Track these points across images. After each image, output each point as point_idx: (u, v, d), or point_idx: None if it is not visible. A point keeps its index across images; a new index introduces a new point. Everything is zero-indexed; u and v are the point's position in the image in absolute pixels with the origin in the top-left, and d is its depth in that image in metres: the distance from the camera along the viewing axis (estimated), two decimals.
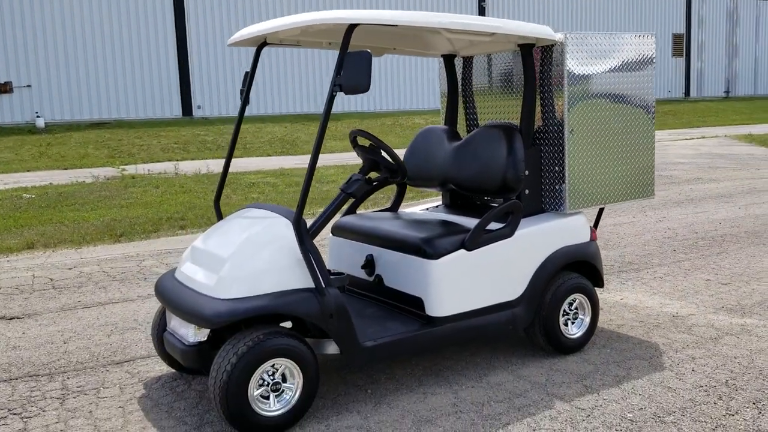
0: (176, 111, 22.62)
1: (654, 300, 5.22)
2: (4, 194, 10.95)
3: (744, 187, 10.88)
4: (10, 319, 5.17)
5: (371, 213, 4.56)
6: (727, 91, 36.82)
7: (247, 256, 3.33)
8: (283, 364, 3.23)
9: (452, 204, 4.74)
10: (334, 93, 3.20)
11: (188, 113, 22.71)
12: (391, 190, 4.54)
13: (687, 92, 35.03)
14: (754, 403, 3.47)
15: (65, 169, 15.22)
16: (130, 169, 14.54)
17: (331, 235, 4.46)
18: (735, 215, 8.52)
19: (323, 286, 3.30)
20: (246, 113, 23.20)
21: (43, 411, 3.62)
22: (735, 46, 37.04)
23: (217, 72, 23.04)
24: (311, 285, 3.32)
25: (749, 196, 10.00)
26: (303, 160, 15.86)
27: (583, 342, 4.20)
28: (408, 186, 4.76)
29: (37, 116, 20.20)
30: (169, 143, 18.52)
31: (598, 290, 5.38)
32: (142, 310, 5.29)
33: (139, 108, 22.06)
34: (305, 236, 3.32)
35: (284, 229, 3.41)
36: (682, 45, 34.62)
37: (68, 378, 4.04)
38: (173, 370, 4.07)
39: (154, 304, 5.41)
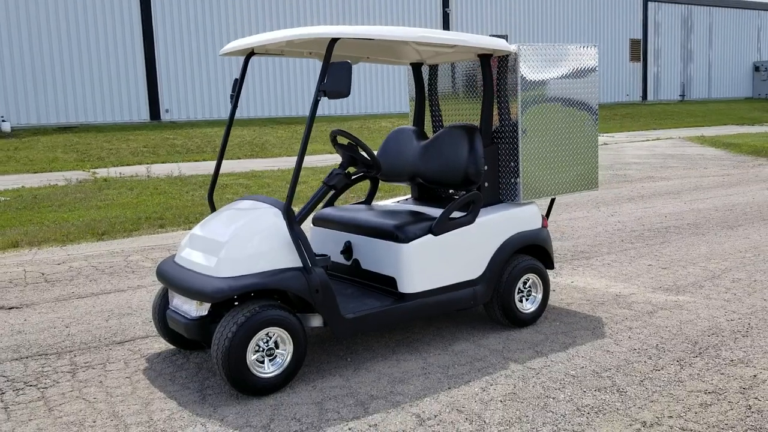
0: (144, 115, 22.84)
1: (601, 282, 5.83)
2: None
3: (691, 185, 11.65)
4: (9, 308, 5.55)
5: (348, 206, 5.07)
6: (683, 95, 38.19)
7: (243, 240, 3.82)
8: (276, 332, 3.73)
9: (420, 197, 5.28)
10: (318, 98, 3.71)
11: (156, 117, 22.95)
12: (365, 185, 5.05)
13: (644, 96, 36.26)
14: (677, 361, 4.06)
15: (35, 172, 15.41)
16: (102, 172, 14.82)
17: (312, 225, 4.96)
18: (680, 209, 9.23)
19: (310, 265, 3.81)
20: (215, 117, 23.64)
21: (57, 383, 4.04)
22: (690, 52, 38.46)
23: (185, 76, 23.32)
24: (299, 264, 3.83)
25: (695, 192, 10.75)
26: (273, 163, 16.29)
27: (536, 316, 4.77)
28: (380, 181, 5.29)
29: (3, 120, 20.28)
30: (138, 147, 18.77)
31: (550, 273, 5.98)
32: (134, 298, 5.72)
33: (107, 112, 22.23)
34: (294, 223, 3.83)
35: (275, 216, 3.91)
36: (639, 50, 35.86)
37: (75, 356, 4.47)
38: (172, 347, 4.53)
39: (145, 294, 5.84)
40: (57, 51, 21.35)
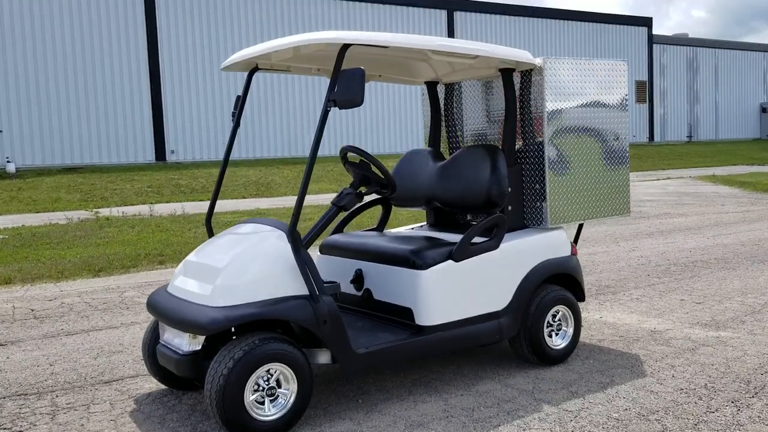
0: (149, 156, 22.66)
1: (632, 318, 5.37)
2: None
3: (711, 221, 11.22)
4: None
5: (358, 232, 4.67)
6: (690, 136, 37.97)
7: (242, 266, 3.41)
8: (278, 369, 3.28)
9: (436, 223, 4.88)
10: (328, 108, 3.34)
11: (162, 158, 22.76)
12: (376, 212, 4.67)
13: (651, 137, 36.04)
14: (732, 402, 3.59)
15: (37, 212, 15.10)
16: (104, 212, 14.49)
17: (319, 254, 4.55)
18: (704, 245, 8.79)
19: (317, 293, 3.39)
20: (220, 158, 23.40)
21: (34, 426, 3.60)
22: (696, 93, 38.38)
23: (191, 117, 23.20)
24: (305, 292, 3.41)
25: (716, 228, 10.32)
26: (279, 202, 15.95)
27: (567, 353, 4.31)
28: (393, 207, 4.89)
29: (8, 161, 20.08)
30: (142, 187, 18.49)
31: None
32: (127, 335, 5.29)
33: (112, 153, 22.05)
34: (300, 246, 3.42)
35: (279, 239, 3.50)
36: (645, 91, 35.77)
37: (57, 396, 4.03)
38: (164, 387, 4.08)
39: (138, 330, 5.41)
40: (63, 93, 21.29)
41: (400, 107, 27.22)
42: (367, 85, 25.06)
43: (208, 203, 16.10)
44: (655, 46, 35.96)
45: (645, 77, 35.69)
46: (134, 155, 22.37)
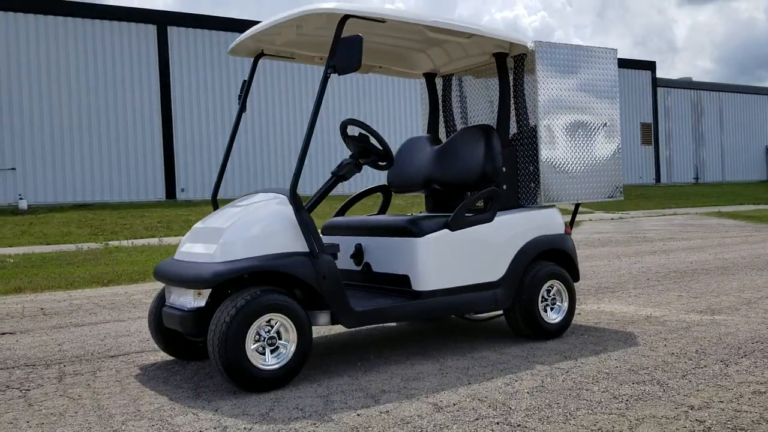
0: (160, 194, 22.98)
1: (629, 308, 5.45)
2: None
3: (714, 242, 11.29)
4: (2, 334, 5.25)
5: (358, 216, 4.83)
6: (697, 177, 38.13)
7: (245, 225, 3.56)
8: (279, 320, 3.40)
9: (434, 208, 5.03)
10: (328, 74, 3.54)
11: (172, 196, 23.07)
12: (377, 202, 4.83)
13: (658, 178, 36.21)
14: (722, 361, 3.67)
15: (47, 244, 15.31)
16: (114, 244, 14.70)
17: (321, 234, 4.70)
18: (705, 258, 8.86)
19: (317, 250, 3.53)
20: (220, 195, 23.70)
21: (41, 386, 3.71)
22: (701, 135, 38.68)
23: (202, 155, 23.60)
24: (305, 249, 3.55)
25: (719, 248, 10.39)
26: None
27: (562, 328, 4.40)
28: (393, 194, 5.06)
29: (20, 198, 20.41)
30: (152, 222, 18.73)
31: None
32: (133, 326, 5.40)
33: (123, 191, 22.38)
34: (301, 207, 3.58)
35: (281, 203, 3.66)
36: (650, 134, 36.10)
37: (65, 366, 4.14)
38: (169, 358, 4.19)
39: (145, 323, 5.52)
40: (77, 132, 21.75)
41: (399, 110, 27.56)
42: (365, 87, 25.29)
43: None
44: (659, 89, 36.44)
45: (650, 119, 36.06)
46: (145, 193, 22.69)
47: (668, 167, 37.04)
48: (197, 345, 4.00)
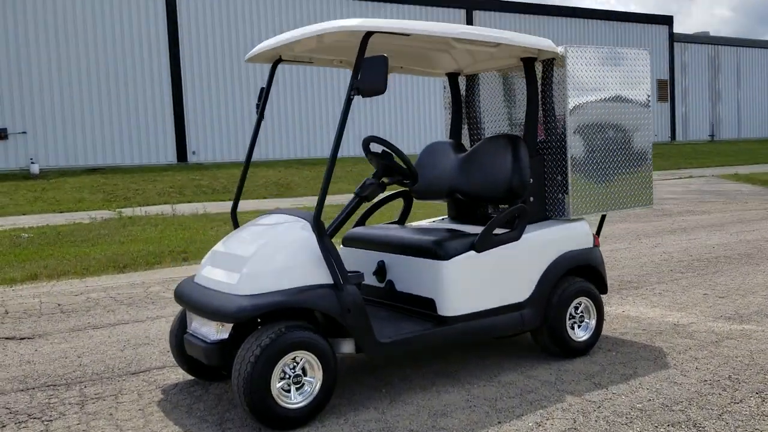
0: (171, 157, 22.85)
1: (655, 312, 5.35)
2: (2, 234, 11.01)
3: (734, 218, 11.11)
4: (21, 339, 5.22)
5: (380, 225, 4.70)
6: (712, 135, 37.57)
7: (268, 255, 3.45)
8: (304, 357, 3.32)
9: (457, 215, 4.90)
10: (351, 96, 3.38)
11: (183, 159, 22.94)
12: (398, 206, 4.70)
13: (673, 136, 35.72)
14: (757, 393, 3.58)
15: (61, 212, 15.31)
16: (127, 212, 14.67)
17: (342, 246, 4.59)
18: (727, 241, 8.71)
19: (341, 282, 3.42)
20: (242, 158, 23.55)
21: (63, 415, 3.67)
22: (718, 92, 37.96)
23: (212, 118, 23.38)
24: (330, 281, 3.44)
25: (740, 225, 10.22)
26: (298, 202, 16.04)
27: (590, 345, 4.31)
28: (414, 200, 4.92)
29: (32, 162, 20.34)
30: (164, 187, 18.67)
31: None
32: (152, 328, 5.36)
33: (134, 154, 22.27)
34: (324, 235, 3.46)
35: (303, 229, 3.55)
36: (666, 90, 35.46)
37: (85, 387, 4.10)
38: (190, 377, 4.14)
39: (164, 324, 5.48)
40: (87, 95, 21.54)
41: (422, 107, 27.22)
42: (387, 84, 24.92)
43: (229, 203, 16.22)
44: (676, 44, 35.63)
45: (666, 76, 35.38)
46: (156, 156, 22.57)
47: (684, 125, 36.49)
48: (220, 370, 3.94)
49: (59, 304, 6.28)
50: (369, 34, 3.47)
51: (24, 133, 20.75)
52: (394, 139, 26.49)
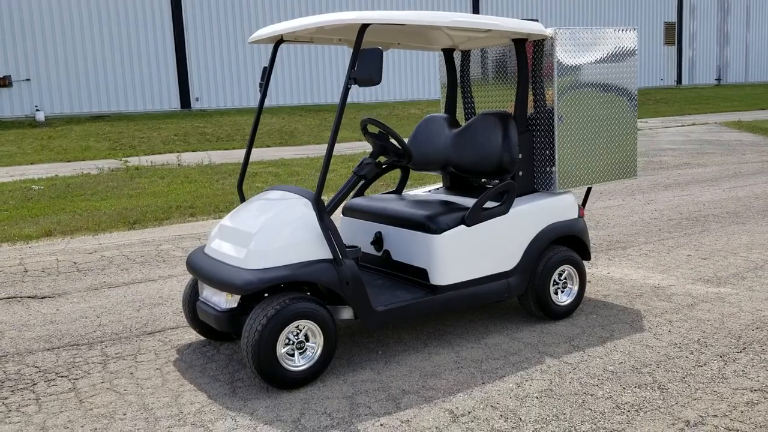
0: (174, 104, 22.95)
1: (638, 273, 5.67)
2: (13, 186, 11.32)
3: (730, 171, 11.33)
4: (42, 298, 5.58)
5: (378, 195, 4.98)
6: (719, 79, 37.29)
7: (273, 232, 3.75)
8: (306, 325, 3.66)
9: (452, 186, 5.17)
10: (348, 86, 3.61)
11: (186, 105, 23.05)
12: (396, 174, 4.95)
13: (679, 80, 35.48)
14: (720, 356, 3.92)
15: (68, 161, 15.57)
16: (133, 161, 14.93)
17: (342, 215, 4.88)
18: (719, 197, 8.97)
19: (340, 257, 3.73)
20: (245, 105, 23.67)
21: (88, 373, 4.04)
22: (726, 35, 37.47)
23: (215, 64, 23.37)
24: (329, 256, 3.75)
25: (734, 180, 10.46)
26: (302, 151, 16.26)
27: (572, 309, 4.64)
28: (411, 170, 5.19)
29: (37, 110, 20.51)
30: (169, 135, 18.88)
31: (586, 264, 5.82)
32: (165, 288, 5.71)
33: (138, 101, 22.37)
34: (324, 213, 3.75)
35: (305, 207, 3.83)
36: (673, 33, 35.05)
37: (106, 346, 4.46)
38: (202, 338, 4.50)
39: (176, 284, 5.83)
40: (89, 41, 21.52)
41: (418, 55, 27.06)
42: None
43: (234, 152, 16.47)
44: None
45: (674, 18, 34.92)
46: (159, 103, 22.67)
47: (690, 68, 36.18)
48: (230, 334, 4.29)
49: (75, 263, 6.63)
50: (365, 26, 3.68)
51: (28, 80, 20.85)
52: (391, 86, 26.47)
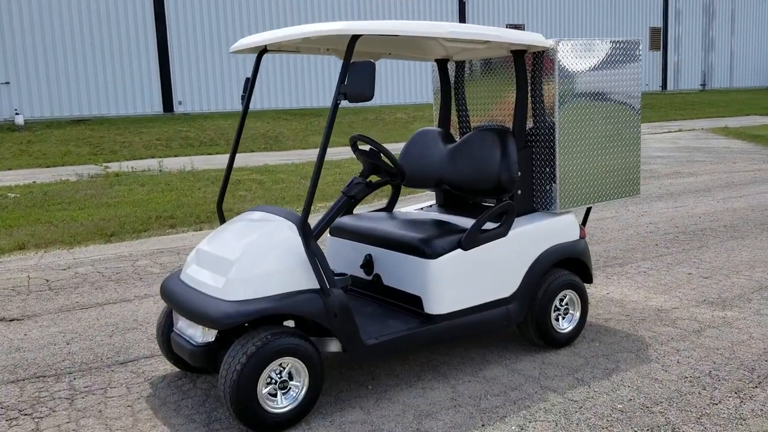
0: (157, 107, 22.53)
1: (639, 294, 5.41)
2: None
3: (722, 181, 11.15)
4: (10, 320, 5.24)
5: (368, 213, 4.69)
6: (704, 84, 37.36)
7: (254, 259, 3.44)
8: (290, 362, 3.35)
9: (445, 204, 4.89)
10: (338, 101, 3.32)
11: (169, 109, 22.64)
12: (387, 190, 4.68)
13: (664, 85, 35.50)
14: (735, 393, 3.66)
15: (47, 167, 15.16)
16: (114, 167, 14.54)
17: (329, 235, 4.59)
18: (714, 209, 8.76)
19: (328, 286, 3.43)
20: (229, 109, 23.27)
21: (54, 411, 3.71)
22: (711, 40, 37.57)
23: (198, 67, 22.98)
24: (316, 286, 3.45)
25: (727, 189, 10.27)
26: (287, 156, 15.93)
27: (573, 336, 4.37)
28: (403, 186, 4.90)
29: (16, 113, 20.03)
30: (151, 140, 18.48)
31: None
32: (140, 310, 5.38)
33: (120, 104, 21.94)
34: (310, 238, 3.45)
35: (289, 232, 3.53)
36: (659, 39, 35.07)
37: (74, 378, 4.13)
38: (178, 370, 4.18)
39: (152, 305, 5.50)
40: (70, 43, 21.07)
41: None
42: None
43: (217, 157, 16.12)
44: None
45: (660, 24, 34.94)
46: (142, 106, 22.25)
47: (675, 73, 36.22)
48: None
49: (47, 280, 6.28)
50: (356, 37, 3.39)
51: (7, 83, 20.37)
52: (384, 90, 26.20)
